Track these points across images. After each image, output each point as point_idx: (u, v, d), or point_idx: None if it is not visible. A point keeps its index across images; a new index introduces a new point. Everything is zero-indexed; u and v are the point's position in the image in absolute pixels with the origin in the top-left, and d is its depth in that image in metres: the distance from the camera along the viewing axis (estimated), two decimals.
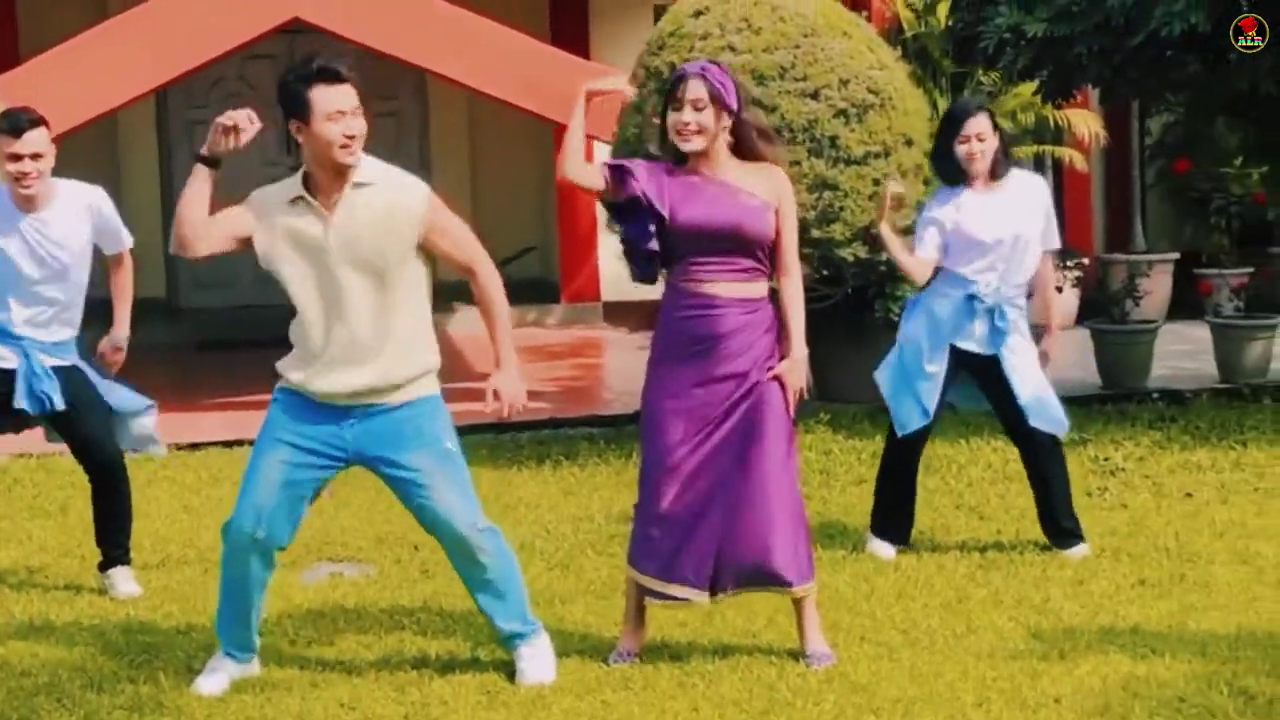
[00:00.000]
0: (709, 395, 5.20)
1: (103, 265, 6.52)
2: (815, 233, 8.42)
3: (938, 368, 6.55)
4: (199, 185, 5.03)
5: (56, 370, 6.33)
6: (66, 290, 6.30)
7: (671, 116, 5.23)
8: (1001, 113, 11.68)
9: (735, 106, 5.17)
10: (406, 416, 5.06)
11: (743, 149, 5.24)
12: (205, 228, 5.02)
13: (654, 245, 5.23)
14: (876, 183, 8.48)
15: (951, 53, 9.65)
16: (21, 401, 6.26)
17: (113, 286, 6.57)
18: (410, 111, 15.15)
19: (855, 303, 9.26)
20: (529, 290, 14.28)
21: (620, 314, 13.90)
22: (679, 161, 5.27)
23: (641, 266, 5.37)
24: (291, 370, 5.06)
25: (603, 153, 10.63)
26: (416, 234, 4.93)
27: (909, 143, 8.69)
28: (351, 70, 4.86)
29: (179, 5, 9.82)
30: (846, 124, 8.50)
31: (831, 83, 8.52)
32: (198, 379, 11.95)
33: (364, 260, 4.91)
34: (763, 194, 5.21)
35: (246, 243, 5.03)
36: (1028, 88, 10.65)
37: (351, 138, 4.82)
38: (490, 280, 5.05)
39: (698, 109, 5.16)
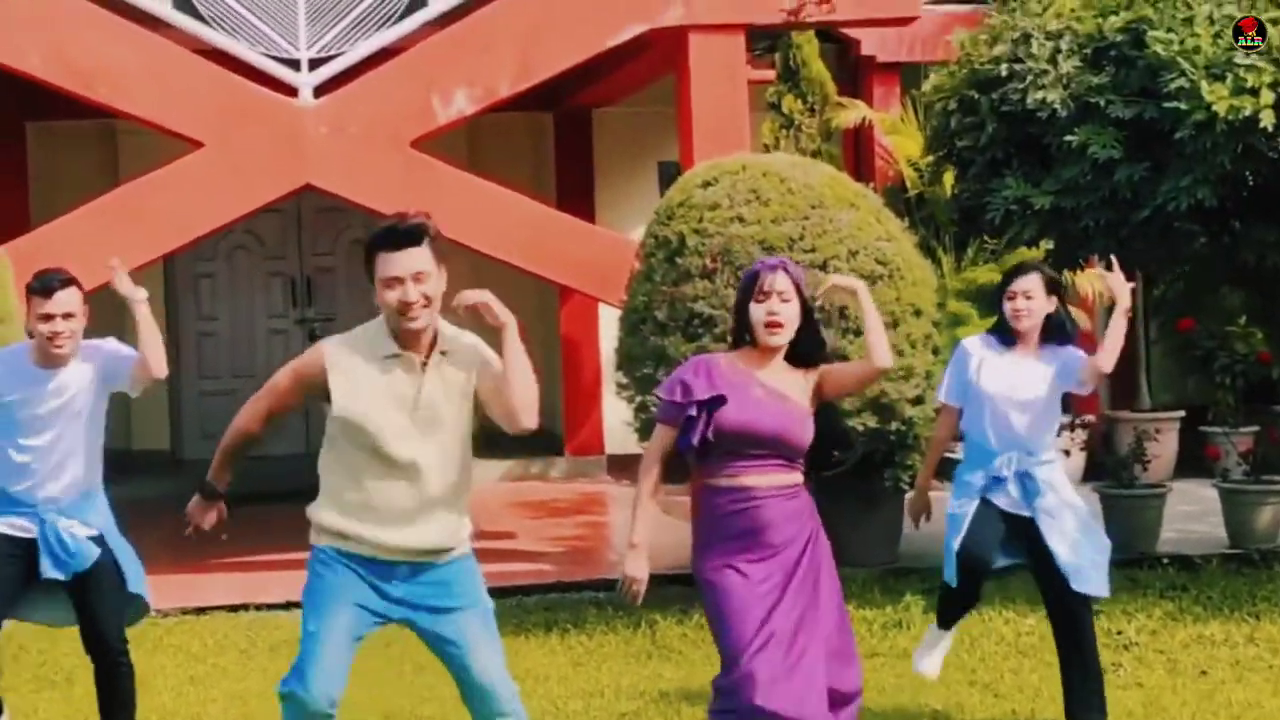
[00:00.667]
0: (767, 566, 5.22)
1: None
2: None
3: (966, 511, 6.53)
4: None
5: (80, 539, 6.20)
6: (85, 448, 6.19)
7: (756, 309, 5.23)
8: (1005, 270, 11.79)
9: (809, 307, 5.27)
10: (453, 575, 5.02)
11: (798, 349, 5.29)
12: (263, 422, 5.12)
13: (696, 441, 5.24)
14: None
15: (957, 221, 9.72)
16: (50, 570, 6.14)
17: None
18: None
19: (865, 468, 9.25)
20: (532, 442, 14.21)
21: (624, 467, 13.84)
22: (732, 346, 5.36)
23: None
24: (347, 522, 4.95)
25: (610, 323, 10.71)
26: (479, 382, 4.94)
27: (917, 313, 8.74)
28: (420, 234, 4.78)
29: (190, 172, 9.90)
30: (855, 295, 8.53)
31: (840, 254, 8.58)
32: (201, 535, 11.86)
33: (442, 420, 4.89)
34: (806, 398, 5.29)
35: (308, 394, 5.03)
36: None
37: (409, 304, 4.75)
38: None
39: (785, 300, 5.21)
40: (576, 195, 14.08)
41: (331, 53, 10.23)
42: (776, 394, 5.24)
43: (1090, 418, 12.34)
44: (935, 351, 8.81)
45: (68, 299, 6.05)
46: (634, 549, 5.34)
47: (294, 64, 10.19)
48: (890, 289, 8.61)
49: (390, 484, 4.91)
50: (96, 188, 11.22)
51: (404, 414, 4.88)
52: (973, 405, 6.56)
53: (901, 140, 12.55)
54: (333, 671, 4.96)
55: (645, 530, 5.35)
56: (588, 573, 9.94)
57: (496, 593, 8.96)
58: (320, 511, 5.00)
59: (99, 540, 6.25)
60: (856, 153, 13.59)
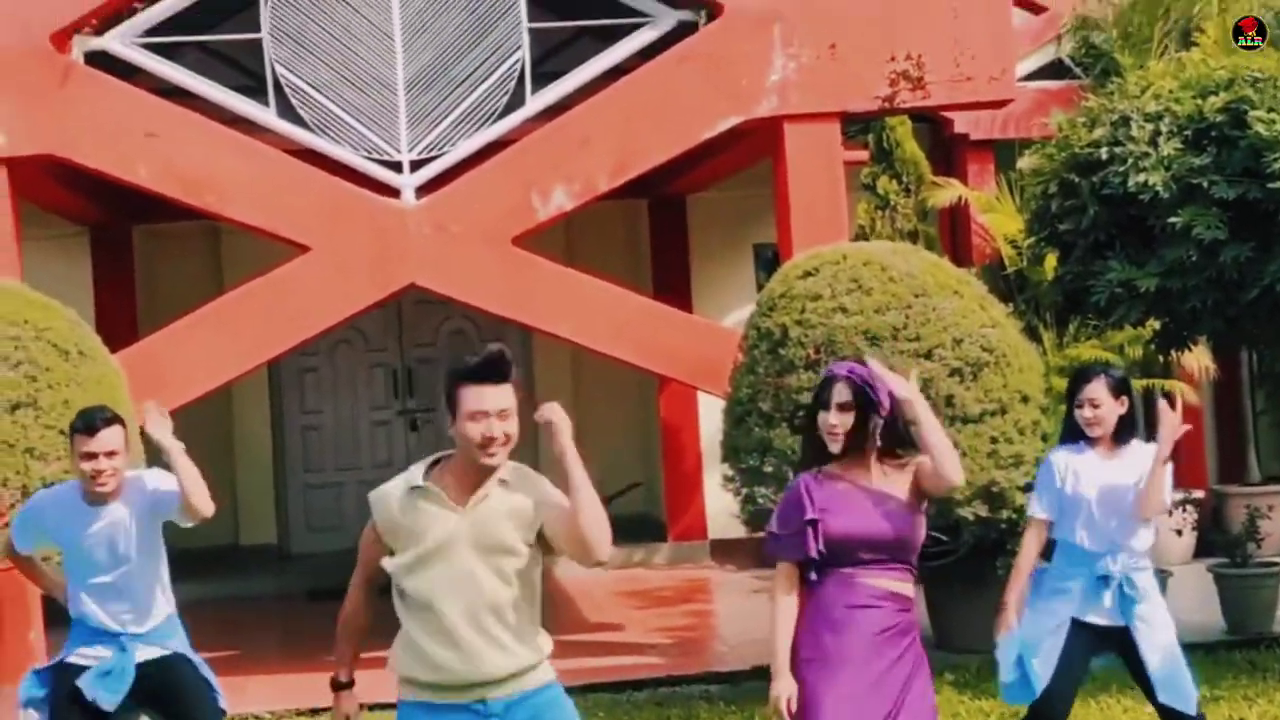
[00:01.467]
0: (861, 673, 5.20)
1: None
2: None
3: (1056, 642, 6.43)
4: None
5: (155, 661, 6.24)
6: (144, 580, 6.23)
7: (820, 417, 5.30)
8: (1109, 346, 11.72)
9: (884, 408, 5.23)
10: (545, 702, 4.92)
11: (891, 445, 5.29)
12: (364, 599, 5.00)
13: (814, 554, 5.26)
14: (994, 441, 8.48)
15: (1062, 303, 9.66)
16: (96, 696, 6.14)
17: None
18: (515, 353, 15.26)
19: (975, 556, 9.19)
20: (634, 528, 14.27)
21: (728, 552, 13.85)
22: (826, 459, 5.33)
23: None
24: (420, 670, 4.85)
25: (710, 408, 10.72)
26: (541, 520, 4.83)
27: (1025, 399, 8.70)
28: (507, 370, 4.76)
29: (295, 277, 10.04)
30: (962, 383, 8.52)
31: (945, 342, 8.57)
32: (309, 631, 11.94)
33: (496, 546, 4.80)
34: (907, 494, 5.27)
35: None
36: None
37: (491, 439, 4.71)
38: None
39: (843, 410, 5.23)
40: (673, 280, 14.14)
41: (433, 154, 10.36)
42: (877, 494, 5.25)
43: (1199, 494, 12.19)
44: (1044, 438, 8.74)
45: (110, 437, 6.09)
46: (778, 673, 5.28)
47: (396, 166, 10.34)
48: (997, 375, 8.57)
49: (457, 618, 4.79)
50: (202, 289, 11.45)
51: (445, 548, 4.79)
52: (1066, 513, 6.51)
53: (998, 218, 12.51)
54: None
55: (786, 657, 5.30)
56: (698, 665, 9.91)
57: (606, 688, 9.06)
58: (402, 665, 4.89)
59: (180, 660, 6.32)
60: (953, 231, 13.57)
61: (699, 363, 10.15)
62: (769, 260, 12.45)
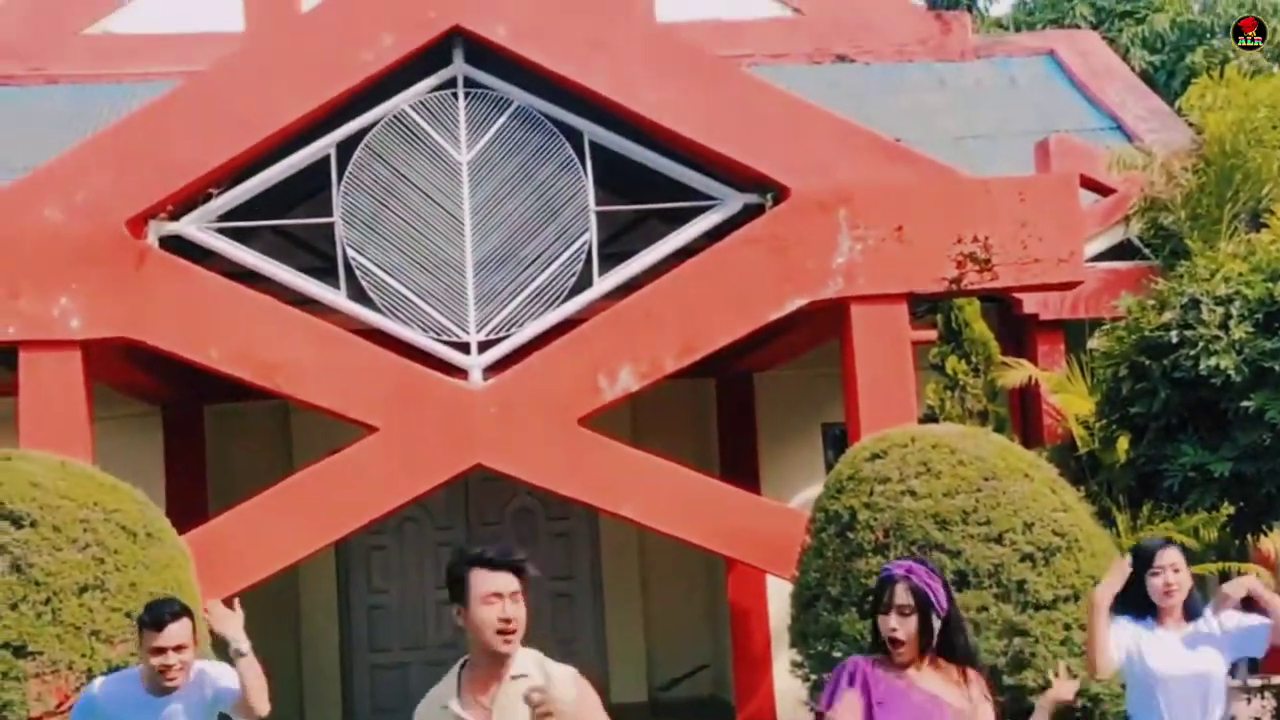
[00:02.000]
0: None
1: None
2: (1006, 679, 8.22)
3: None
4: None
5: None
6: None
7: (881, 620, 5.22)
8: (1183, 529, 11.53)
9: (943, 609, 5.17)
10: None
11: (948, 649, 5.22)
12: None
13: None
14: (1068, 628, 8.31)
15: (1135, 486, 9.55)
16: None
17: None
18: (581, 531, 15.29)
19: None
20: (701, 711, 14.06)
21: None
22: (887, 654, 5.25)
23: None
24: None
25: (778, 589, 10.61)
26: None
27: (1098, 584, 8.52)
28: (516, 558, 4.80)
29: (363, 458, 10.07)
30: (1033, 568, 8.38)
31: (1016, 526, 8.45)
32: None
33: None
34: (961, 700, 5.19)
35: None
36: None
37: (508, 621, 4.72)
38: None
39: (904, 614, 5.16)
40: (741, 460, 14.08)
41: (501, 334, 10.43)
42: (935, 699, 5.17)
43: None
44: None
45: (179, 631, 6.16)
46: None
47: (464, 346, 10.41)
48: (1069, 561, 8.43)
49: None
50: (271, 467, 11.50)
51: None
52: (1140, 689, 6.35)
53: (1070, 399, 12.43)
54: None
55: None
56: None
57: None
58: None
59: None
60: (1024, 412, 13.49)
61: (767, 545, 10.06)
62: (838, 439, 12.38)
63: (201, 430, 13.99)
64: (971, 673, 5.24)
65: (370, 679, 14.98)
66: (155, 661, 6.13)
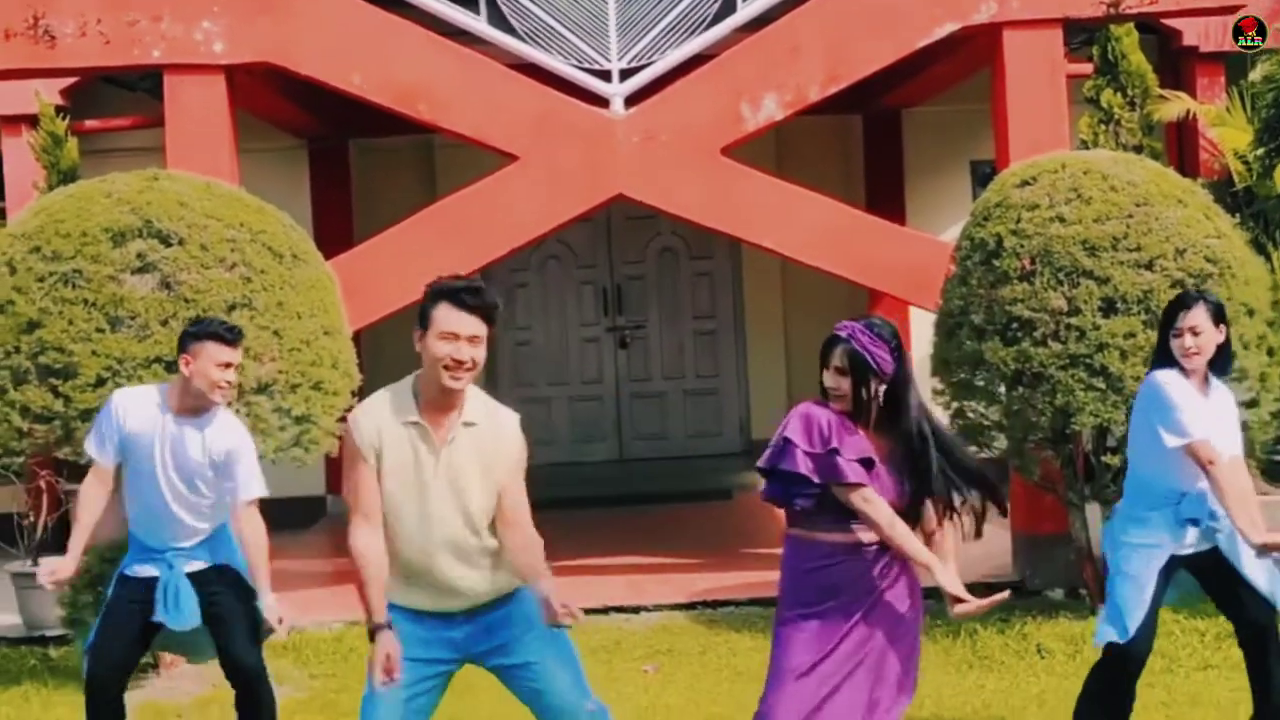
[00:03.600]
0: (832, 622, 5.33)
1: None
2: None
3: (1151, 589, 6.06)
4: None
5: (200, 574, 6.30)
6: (200, 503, 6.28)
7: (823, 374, 5.42)
8: None
9: (885, 373, 5.28)
10: (514, 609, 5.03)
11: (893, 415, 5.36)
12: (377, 535, 4.95)
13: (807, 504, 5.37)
14: None
15: None
16: (162, 615, 6.23)
17: (239, 538, 6.32)
18: (723, 270, 15.27)
19: None
20: None
21: None
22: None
23: (779, 498, 5.44)
24: (396, 590, 4.99)
25: (921, 318, 10.49)
26: (506, 477, 4.92)
27: (1250, 312, 8.33)
28: (485, 303, 4.86)
29: (506, 185, 10.06)
30: None
31: (1167, 252, 8.24)
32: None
33: (466, 487, 4.89)
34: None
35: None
36: None
37: (460, 362, 4.78)
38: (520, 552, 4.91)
39: (841, 374, 5.31)
40: (886, 197, 13.89)
41: (642, 62, 10.29)
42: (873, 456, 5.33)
43: None
44: (1270, 353, 8.40)
45: (241, 353, 6.31)
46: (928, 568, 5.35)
47: (605, 75, 10.29)
48: (1221, 288, 8.22)
49: (419, 552, 4.93)
50: (415, 202, 11.51)
51: (417, 482, 4.89)
52: (1158, 445, 6.03)
53: (1228, 133, 12.02)
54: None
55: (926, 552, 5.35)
56: None
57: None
58: (389, 579, 4.98)
59: (220, 570, 6.35)
60: (1180, 147, 13.09)
61: (911, 276, 9.95)
62: (986, 177, 12.12)
63: (347, 165, 14.08)
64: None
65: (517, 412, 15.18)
66: (218, 376, 6.15)
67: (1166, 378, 6.04)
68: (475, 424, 4.89)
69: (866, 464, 5.25)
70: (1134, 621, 6.02)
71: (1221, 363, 6.18)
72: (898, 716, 5.34)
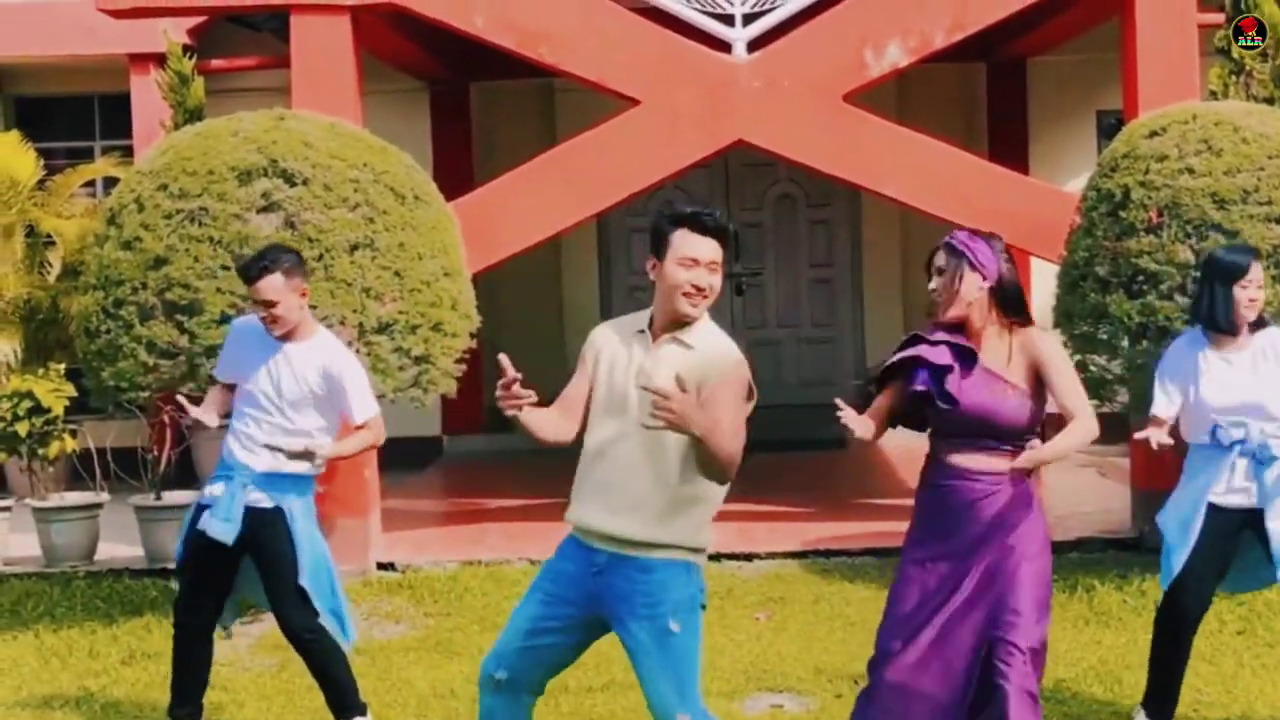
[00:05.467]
0: (953, 569, 5.23)
1: None
2: None
3: (1195, 532, 6.04)
4: (530, 424, 4.79)
5: (256, 511, 6.27)
6: (289, 428, 6.27)
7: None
8: None
9: (989, 273, 5.18)
10: (647, 580, 4.76)
11: (1005, 315, 5.24)
12: (562, 418, 4.90)
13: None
14: None
15: None
16: (206, 520, 6.28)
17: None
18: (842, 218, 15.16)
19: None
20: None
21: (1056, 423, 13.48)
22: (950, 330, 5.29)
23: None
24: (572, 505, 4.92)
25: (1044, 270, 10.36)
26: (709, 391, 4.68)
27: None
28: (723, 228, 4.74)
29: (627, 130, 10.04)
30: None
31: None
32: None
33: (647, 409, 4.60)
34: (1022, 379, 5.18)
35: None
36: None
37: (700, 289, 4.68)
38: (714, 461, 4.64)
39: (940, 274, 5.24)
40: (1010, 147, 13.71)
41: (765, 7, 10.21)
42: (989, 375, 5.17)
43: None
44: None
45: (267, 287, 6.20)
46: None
47: (728, 19, 10.23)
48: None
49: (601, 460, 4.82)
50: (535, 146, 11.54)
51: (620, 387, 4.77)
52: (1192, 420, 6.15)
53: None
54: (509, 646, 4.89)
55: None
56: None
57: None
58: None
59: (273, 513, 6.29)
60: None
61: (1034, 226, 9.82)
62: (1112, 128, 11.95)
63: (468, 107, 14.12)
64: (1031, 331, 5.24)
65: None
66: (260, 312, 6.31)
67: (1178, 344, 6.27)
68: (692, 348, 4.74)
69: (949, 366, 5.16)
70: (1177, 562, 6.01)
71: (1258, 320, 6.21)
72: (1042, 635, 5.17)
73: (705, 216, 4.72)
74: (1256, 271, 6.10)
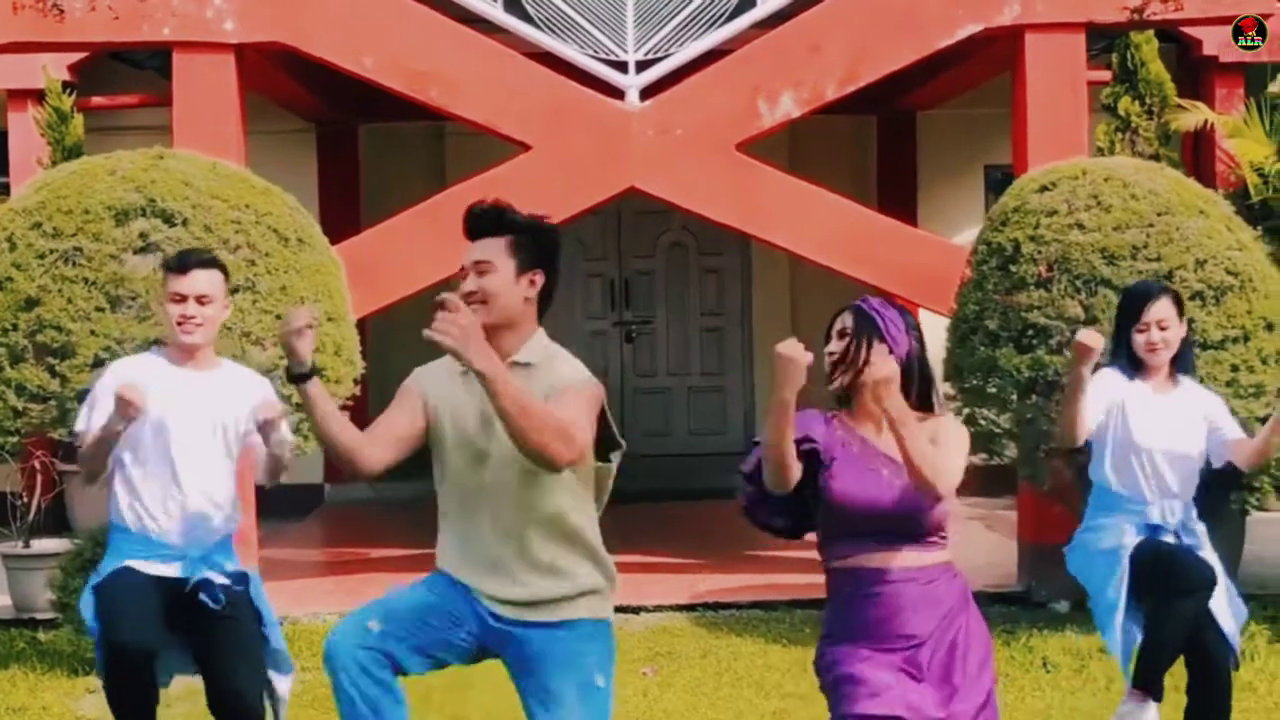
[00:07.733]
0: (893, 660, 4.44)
1: None
2: None
3: (1119, 592, 5.90)
4: (321, 404, 4.40)
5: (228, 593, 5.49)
6: (220, 475, 5.57)
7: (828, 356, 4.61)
8: None
9: (899, 346, 4.48)
10: (562, 637, 4.46)
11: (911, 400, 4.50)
12: (370, 441, 4.46)
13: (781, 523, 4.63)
14: (1235, 369, 8.02)
15: None
16: (203, 594, 5.43)
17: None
18: (733, 268, 15.13)
19: (1205, 487, 8.74)
20: None
21: None
22: (842, 404, 4.62)
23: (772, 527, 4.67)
24: (442, 556, 4.60)
25: (933, 323, 10.36)
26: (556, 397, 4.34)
27: (1269, 327, 8.18)
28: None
29: (518, 174, 9.90)
30: (1203, 306, 8.06)
31: (1187, 263, 8.11)
32: None
33: (510, 450, 4.26)
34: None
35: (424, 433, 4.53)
36: None
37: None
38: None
39: (842, 338, 4.54)
40: (899, 199, 13.76)
41: (658, 55, 10.16)
42: (889, 459, 4.46)
43: None
44: None
45: (206, 280, 5.51)
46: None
47: (621, 66, 10.16)
48: (1241, 300, 8.10)
49: (462, 520, 4.51)
50: (424, 189, 11.37)
51: (468, 438, 4.45)
52: (1117, 451, 5.91)
53: (1246, 144, 11.91)
54: (395, 607, 4.57)
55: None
56: None
57: (810, 604, 8.83)
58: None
59: (240, 579, 5.60)
60: (1196, 157, 12.98)
61: (923, 278, 9.82)
62: (1000, 182, 12.03)
63: (356, 149, 13.96)
64: (940, 417, 4.57)
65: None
66: (174, 310, 5.49)
67: (1108, 372, 5.93)
68: (531, 364, 4.46)
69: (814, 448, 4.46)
70: (1116, 625, 5.95)
71: (1186, 358, 6.02)
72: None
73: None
74: (1158, 311, 5.82)
